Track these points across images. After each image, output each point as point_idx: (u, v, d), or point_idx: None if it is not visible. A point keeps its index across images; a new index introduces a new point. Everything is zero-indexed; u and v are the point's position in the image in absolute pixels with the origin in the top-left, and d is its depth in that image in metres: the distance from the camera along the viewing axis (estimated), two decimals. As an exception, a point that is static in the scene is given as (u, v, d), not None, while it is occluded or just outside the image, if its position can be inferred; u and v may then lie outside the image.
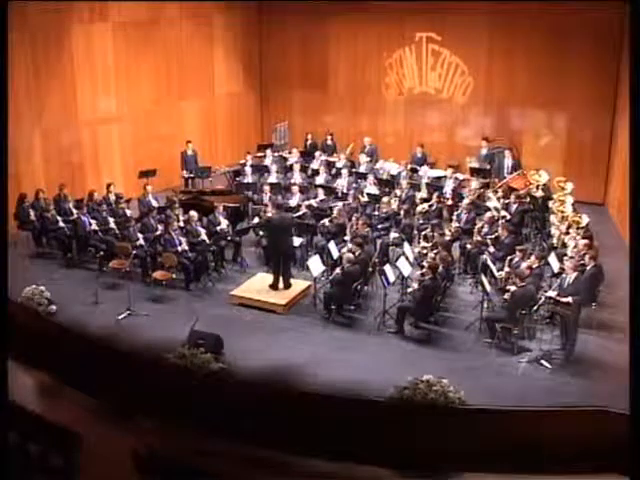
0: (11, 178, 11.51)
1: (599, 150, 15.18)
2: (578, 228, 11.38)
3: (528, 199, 13.17)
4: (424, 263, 10.34)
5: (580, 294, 9.30)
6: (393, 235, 12.38)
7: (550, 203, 12.96)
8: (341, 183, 14.36)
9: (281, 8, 17.72)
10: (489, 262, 10.70)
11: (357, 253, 10.66)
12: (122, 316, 10.36)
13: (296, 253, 11.93)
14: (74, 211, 12.70)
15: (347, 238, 11.58)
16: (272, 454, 6.91)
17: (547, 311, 9.88)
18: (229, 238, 12.28)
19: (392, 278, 10.34)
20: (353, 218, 12.08)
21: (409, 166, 15.17)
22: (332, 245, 11.40)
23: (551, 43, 15.05)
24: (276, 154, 16.39)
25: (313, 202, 13.32)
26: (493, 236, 11.46)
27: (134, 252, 11.42)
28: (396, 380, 7.57)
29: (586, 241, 10.52)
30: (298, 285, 11.21)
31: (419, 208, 13.10)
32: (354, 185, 14.36)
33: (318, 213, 12.86)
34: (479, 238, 11.60)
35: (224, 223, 12.34)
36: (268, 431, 7.02)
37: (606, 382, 8.54)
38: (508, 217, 12.45)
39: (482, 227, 11.75)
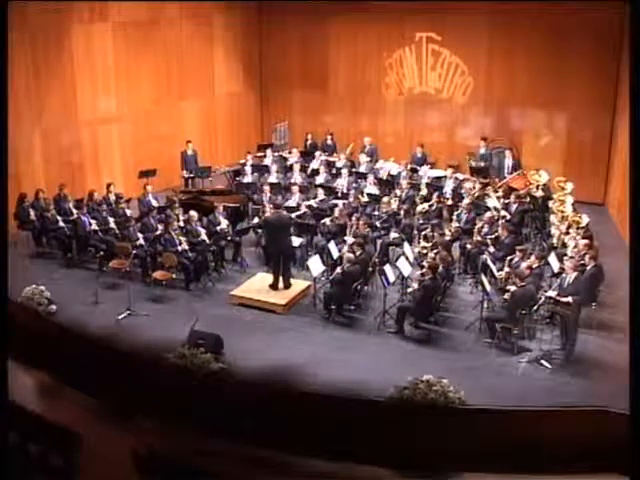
0: (11, 178, 11.52)
1: (599, 150, 15.18)
2: (578, 228, 11.38)
3: (528, 199, 13.17)
4: (424, 263, 10.34)
5: (580, 294, 9.30)
6: (393, 235, 12.39)
7: (550, 203, 12.96)
8: (341, 183, 14.36)
9: (281, 8, 17.72)
10: (489, 262, 10.70)
11: (358, 253, 10.67)
12: (122, 316, 10.36)
13: (296, 253, 11.93)
14: (74, 211, 12.70)
15: (347, 238, 11.57)
16: (272, 454, 6.91)
17: (547, 311, 9.88)
18: (229, 238, 12.28)
19: (392, 278, 10.34)
20: (353, 218, 12.08)
21: (409, 166, 15.17)
22: (332, 245, 11.40)
23: (551, 43, 15.05)
24: (276, 154, 16.39)
25: (313, 202, 13.31)
26: (493, 236, 11.46)
27: (134, 252, 11.42)
28: (396, 380, 7.57)
29: (586, 241, 10.52)
30: (298, 285, 11.21)
31: (419, 208, 13.10)
32: (354, 185, 14.37)
33: (318, 213, 12.87)
34: (479, 238, 11.60)
35: (224, 223, 12.34)
36: (268, 431, 7.02)
37: (606, 382, 8.54)
38: (508, 217, 12.44)
39: (482, 227, 11.74)
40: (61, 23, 13.93)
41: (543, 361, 9.16)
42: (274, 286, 11.06)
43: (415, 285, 10.05)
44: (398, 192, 13.81)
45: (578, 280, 9.39)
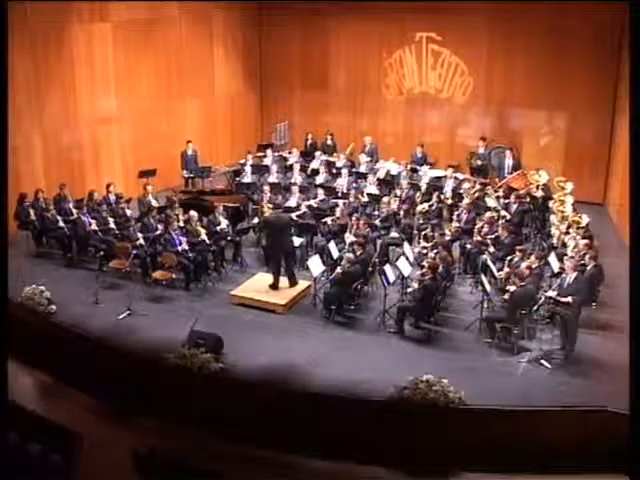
0: (11, 178, 11.54)
1: (599, 150, 15.19)
2: (578, 228, 11.39)
3: (528, 199, 13.17)
4: (424, 263, 10.34)
5: (580, 294, 9.30)
6: (393, 235, 12.38)
7: (550, 203, 12.96)
8: (341, 183, 14.36)
9: (281, 8, 17.72)
10: (489, 262, 10.69)
11: (358, 253, 10.67)
12: (122, 316, 10.36)
13: (296, 253, 11.92)
14: (74, 211, 12.70)
15: (347, 238, 11.57)
16: (272, 454, 6.91)
17: (547, 311, 9.87)
18: (229, 238, 12.28)
19: (392, 278, 10.34)
20: (353, 218, 12.09)
21: (409, 166, 15.18)
22: (332, 245, 11.40)
23: (551, 43, 15.05)
24: (276, 154, 16.39)
25: (313, 202, 13.31)
26: (493, 236, 11.46)
27: (134, 252, 11.41)
28: (396, 380, 7.56)
29: (586, 241, 10.53)
30: (298, 285, 11.20)
31: (419, 208, 13.10)
32: (354, 185, 14.37)
33: (318, 213, 12.87)
34: (479, 238, 11.60)
35: (224, 223, 12.34)
36: (268, 431, 7.03)
37: (606, 382, 8.53)
38: (508, 217, 12.44)
39: (482, 227, 11.74)
40: (61, 23, 13.92)
41: (543, 361, 9.15)
42: (274, 286, 11.05)
43: (415, 285, 10.05)
44: (398, 192, 13.81)
45: (578, 280, 9.38)
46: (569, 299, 9.20)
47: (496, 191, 13.62)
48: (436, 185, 14.15)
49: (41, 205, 12.87)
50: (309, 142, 17.12)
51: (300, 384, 7.85)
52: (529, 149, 15.95)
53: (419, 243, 11.88)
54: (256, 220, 12.83)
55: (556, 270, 10.40)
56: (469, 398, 7.34)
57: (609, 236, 13.08)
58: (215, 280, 11.64)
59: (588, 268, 9.94)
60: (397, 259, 11.11)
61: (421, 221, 12.78)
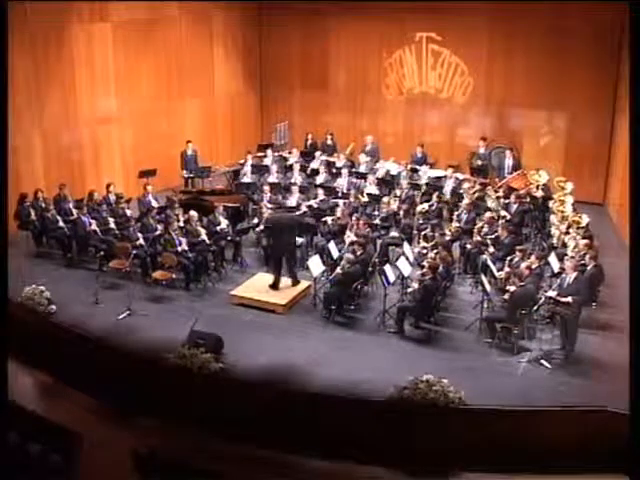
0: (11, 178, 11.53)
1: (599, 150, 15.19)
2: (578, 228, 11.39)
3: (528, 199, 13.17)
4: (424, 263, 10.34)
5: (580, 294, 9.30)
6: (393, 235, 12.38)
7: (550, 203, 12.96)
8: (341, 183, 14.36)
9: (281, 8, 17.72)
10: (489, 262, 10.69)
11: (358, 253, 10.67)
12: (122, 316, 10.35)
13: (296, 252, 11.92)
14: (74, 211, 12.69)
15: (347, 238, 11.57)
16: (272, 454, 6.91)
17: (547, 311, 9.87)
18: (229, 238, 12.28)
19: (392, 278, 10.33)
20: (353, 218, 12.09)
21: (409, 166, 15.18)
22: (332, 245, 11.40)
23: (551, 43, 15.05)
24: (276, 154, 16.39)
25: (313, 202, 13.31)
26: (493, 236, 11.46)
27: (134, 252, 11.41)
28: (396, 380, 7.56)
29: (586, 241, 10.53)
30: (298, 285, 11.20)
31: (419, 208, 13.10)
32: (354, 185, 14.36)
33: (318, 213, 12.86)
34: (479, 238, 11.60)
35: (224, 223, 12.34)
36: (268, 431, 7.03)
37: (606, 382, 8.53)
38: (508, 217, 12.45)
39: (482, 227, 11.75)
40: (61, 23, 13.92)
41: (543, 361, 9.16)
42: (274, 286, 11.05)
43: (415, 285, 10.05)
44: (398, 192, 13.82)
45: (578, 280, 9.39)
46: (569, 299, 9.20)
47: (496, 191, 13.61)
48: (436, 185, 14.15)
49: (41, 205, 12.87)
50: (309, 142, 17.11)
51: (300, 384, 7.85)
52: (529, 149, 15.95)
53: (419, 243, 11.88)
54: (256, 220, 12.83)
55: (556, 270, 10.40)
56: (469, 398, 7.34)
57: (609, 236, 13.08)
58: (215, 280, 11.64)
59: (588, 268, 9.94)
60: (397, 259, 11.11)
61: (421, 221, 12.78)
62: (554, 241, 11.70)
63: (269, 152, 16.10)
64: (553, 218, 12.38)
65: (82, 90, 14.55)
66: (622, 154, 13.46)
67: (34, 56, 13.49)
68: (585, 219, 11.66)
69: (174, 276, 11.21)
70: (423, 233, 11.94)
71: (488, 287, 9.99)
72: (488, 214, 12.14)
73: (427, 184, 14.18)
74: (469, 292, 11.20)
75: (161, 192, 14.54)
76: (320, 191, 13.66)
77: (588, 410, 6.84)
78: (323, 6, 17.03)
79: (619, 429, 6.10)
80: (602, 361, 9.15)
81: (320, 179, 14.67)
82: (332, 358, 9.26)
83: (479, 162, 15.30)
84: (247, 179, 15.10)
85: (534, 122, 15.83)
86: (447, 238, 11.67)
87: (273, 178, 14.76)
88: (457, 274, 11.62)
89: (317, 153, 16.00)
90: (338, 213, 12.44)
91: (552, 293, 9.47)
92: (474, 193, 13.40)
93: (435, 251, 10.89)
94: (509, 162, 15.08)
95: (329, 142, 16.73)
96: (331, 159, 15.82)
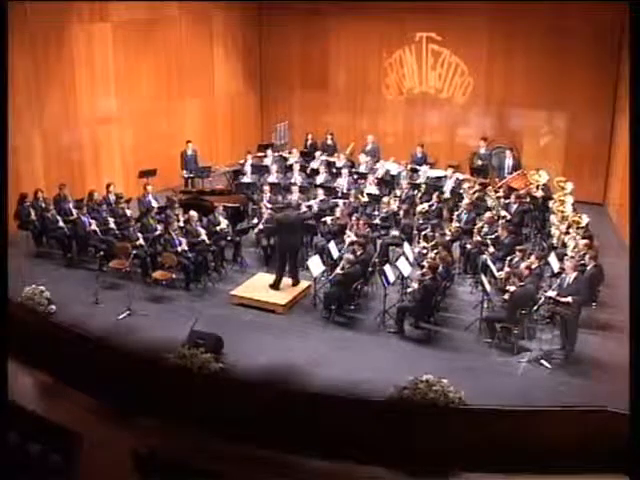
0: (11, 178, 11.53)
1: (599, 150, 15.19)
2: (578, 228, 11.39)
3: (528, 199, 13.17)
4: (424, 263, 10.34)
5: (580, 294, 9.30)
6: (393, 235, 12.38)
7: (550, 203, 12.96)
8: (341, 183, 14.36)
9: (281, 8, 17.72)
10: (489, 262, 10.69)
11: (358, 253, 10.67)
12: (122, 316, 10.35)
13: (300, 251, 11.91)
14: (74, 211, 12.69)
15: (347, 237, 11.57)
16: (272, 454, 6.91)
17: (547, 311, 9.87)
18: (229, 238, 12.28)
19: (392, 278, 10.34)
20: (353, 218, 12.09)
21: (409, 166, 15.18)
22: (332, 245, 11.40)
23: (551, 43, 15.05)
24: (276, 154, 16.39)
25: (313, 202, 13.31)
26: (493, 236, 11.47)
27: (134, 252, 11.41)
28: (396, 380, 7.56)
29: (586, 241, 10.53)
30: (299, 285, 11.19)
31: (419, 208, 13.10)
32: (354, 185, 14.36)
33: (318, 213, 12.86)
34: (479, 238, 11.60)
35: (224, 223, 12.33)
36: (268, 431, 7.02)
37: (606, 382, 8.53)
38: (508, 217, 12.45)
39: (482, 227, 11.75)
40: (61, 23, 13.92)
41: (543, 361, 9.16)
42: (275, 285, 11.05)
43: (415, 285, 10.04)
44: (398, 192, 13.82)
45: (578, 280, 9.38)
46: (569, 299, 9.20)
47: (496, 191, 13.62)
48: (436, 185, 14.16)
49: (41, 205, 12.87)
50: (309, 142, 17.11)
51: (300, 384, 7.85)
52: (529, 149, 15.95)
53: (419, 243, 11.89)
54: (256, 220, 12.83)
55: (556, 270, 10.39)
56: (469, 398, 7.34)
57: (609, 236, 13.08)
58: (215, 280, 11.64)
59: (588, 268, 9.94)
60: (397, 259, 11.11)
61: (421, 221, 12.79)
62: (554, 241, 11.70)
63: (269, 152, 16.10)
64: (553, 218, 12.38)
65: (82, 90, 14.55)
66: (622, 154, 13.45)
67: (34, 56, 13.49)
68: (585, 219, 11.66)
69: (174, 276, 11.21)
70: (423, 233, 11.95)
71: (488, 287, 9.99)
72: (488, 214, 12.14)
73: (427, 184, 14.18)
74: (469, 292, 11.20)
75: (161, 192, 14.53)
76: (320, 191, 13.66)
77: (588, 410, 6.84)
78: (323, 6, 17.04)
79: (619, 429, 6.10)
80: (602, 361, 9.15)
81: (320, 179, 14.67)
82: (332, 358, 9.26)
83: (480, 162, 15.30)
84: (247, 179, 15.10)
85: (534, 122, 15.83)
86: (447, 238, 11.67)
87: (273, 178, 14.76)
88: (457, 274, 11.62)
89: (317, 153, 16.01)
90: (337, 213, 12.43)
91: (552, 293, 9.47)
92: (474, 193, 13.39)
93: (435, 251, 10.89)
94: (509, 162, 15.08)
95: (329, 142, 16.73)
96: (331, 159, 15.82)
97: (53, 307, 9.97)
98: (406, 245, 11.49)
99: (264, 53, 18.65)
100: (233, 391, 7.60)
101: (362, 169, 15.12)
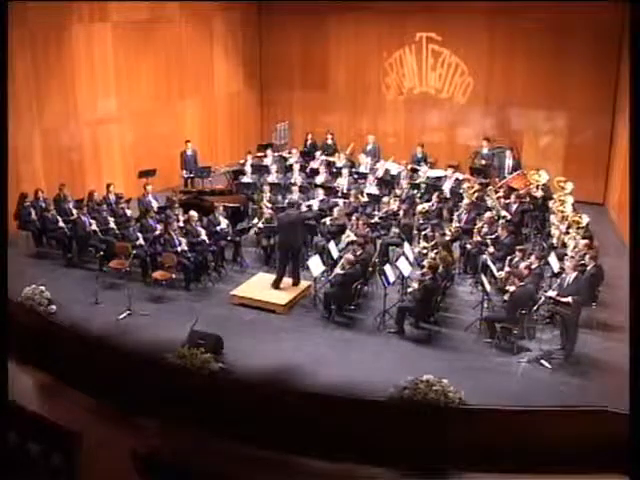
0: (11, 178, 11.52)
1: (599, 150, 15.19)
2: (578, 228, 11.39)
3: (528, 199, 13.17)
4: (424, 263, 10.34)
5: (580, 294, 9.30)
6: (393, 235, 12.38)
7: (550, 203, 12.97)
8: (341, 183, 14.36)
9: (281, 8, 17.74)
10: (489, 262, 10.70)
11: (358, 253, 10.67)
12: (122, 316, 10.36)
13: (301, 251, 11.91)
14: (74, 211, 12.70)
15: (347, 237, 11.57)
16: (272, 454, 6.91)
17: (547, 311, 9.88)
18: (229, 238, 12.28)
19: (392, 278, 10.33)
20: (353, 218, 12.09)
21: (409, 166, 15.18)
22: (332, 245, 11.40)
23: (551, 43, 15.07)
24: (276, 154, 16.39)
25: (313, 202, 13.31)
26: (493, 236, 11.47)
27: (134, 252, 11.41)
28: (396, 380, 7.56)
29: (586, 241, 10.53)
30: (298, 285, 11.19)
31: (419, 208, 13.10)
32: (354, 185, 14.36)
33: (318, 213, 12.85)
34: (479, 238, 11.60)
35: (224, 223, 12.34)
36: (268, 431, 7.02)
37: (606, 382, 8.54)
38: (508, 217, 12.45)
39: (482, 227, 11.75)
40: (61, 23, 13.93)
41: (543, 361, 9.16)
42: (276, 284, 11.04)
43: (415, 285, 10.05)
44: (398, 192, 13.82)
45: (578, 280, 9.38)
46: (569, 299, 9.20)
47: (496, 191, 13.62)
48: (436, 185, 14.16)
49: (41, 205, 12.88)
50: (309, 142, 17.12)
51: (300, 384, 7.84)
52: (529, 149, 15.96)
53: (419, 243, 11.89)
54: (256, 220, 12.83)
55: (556, 270, 10.40)
56: (469, 398, 7.34)
57: (609, 236, 13.09)
58: (215, 280, 11.64)
59: (588, 268, 9.93)
60: (397, 259, 11.11)
61: (421, 221, 12.79)
62: (554, 241, 11.70)
63: (269, 152, 16.10)
64: (553, 218, 12.38)
65: (82, 90, 14.56)
66: (622, 154, 13.46)
67: (34, 56, 13.50)
68: (585, 219, 11.66)
69: (174, 276, 11.21)
70: (423, 233, 11.95)
71: (488, 287, 9.99)
72: (488, 214, 12.15)
73: (427, 184, 14.18)
74: (469, 292, 11.20)
75: (161, 192, 14.54)
76: (320, 191, 13.66)
77: (588, 410, 6.84)
78: (323, 6, 17.05)
79: (619, 429, 6.09)
80: (602, 361, 9.15)
81: (320, 179, 14.67)
82: (332, 358, 9.27)
83: (482, 162, 15.30)
84: (247, 179, 15.10)
85: (534, 122, 15.85)
86: (447, 238, 11.67)
87: (273, 178, 14.76)
88: (457, 274, 11.63)
89: (317, 153, 16.01)
90: (335, 213, 12.43)
91: (552, 293, 9.47)
92: (474, 193, 13.40)
93: (435, 251, 10.90)
94: (509, 162, 15.10)
95: (329, 142, 16.74)
96: (331, 159, 15.82)
97: (53, 307, 9.97)
98: (406, 245, 11.49)
99: (264, 53, 18.67)
100: (233, 391, 7.60)
101: (362, 169, 15.12)
